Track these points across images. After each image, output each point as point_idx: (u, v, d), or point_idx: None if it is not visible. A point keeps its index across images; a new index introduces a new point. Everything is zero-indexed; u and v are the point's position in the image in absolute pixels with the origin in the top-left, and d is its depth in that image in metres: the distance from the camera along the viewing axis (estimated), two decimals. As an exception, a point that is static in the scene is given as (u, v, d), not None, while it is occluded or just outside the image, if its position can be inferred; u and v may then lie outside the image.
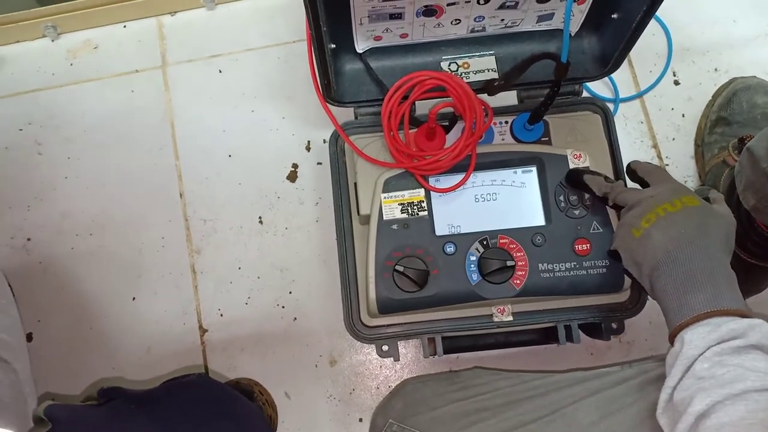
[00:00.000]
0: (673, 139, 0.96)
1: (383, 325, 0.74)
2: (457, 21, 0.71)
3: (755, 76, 0.93)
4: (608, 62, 0.75)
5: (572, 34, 0.75)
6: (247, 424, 0.69)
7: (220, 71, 1.00)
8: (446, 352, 0.75)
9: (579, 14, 0.73)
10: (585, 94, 0.83)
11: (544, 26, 0.75)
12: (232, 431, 0.65)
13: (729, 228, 0.59)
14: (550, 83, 0.70)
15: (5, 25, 0.98)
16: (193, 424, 0.63)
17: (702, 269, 0.54)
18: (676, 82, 0.98)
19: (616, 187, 0.66)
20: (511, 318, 0.73)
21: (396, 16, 0.68)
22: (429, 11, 0.68)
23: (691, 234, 0.56)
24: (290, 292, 0.91)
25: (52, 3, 0.97)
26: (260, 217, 0.94)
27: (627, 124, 0.96)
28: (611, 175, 0.76)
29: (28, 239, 0.94)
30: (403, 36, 0.73)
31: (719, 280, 0.53)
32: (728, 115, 0.89)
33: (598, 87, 0.97)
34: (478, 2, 0.67)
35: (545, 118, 0.76)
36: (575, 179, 0.71)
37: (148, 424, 0.61)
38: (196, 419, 0.63)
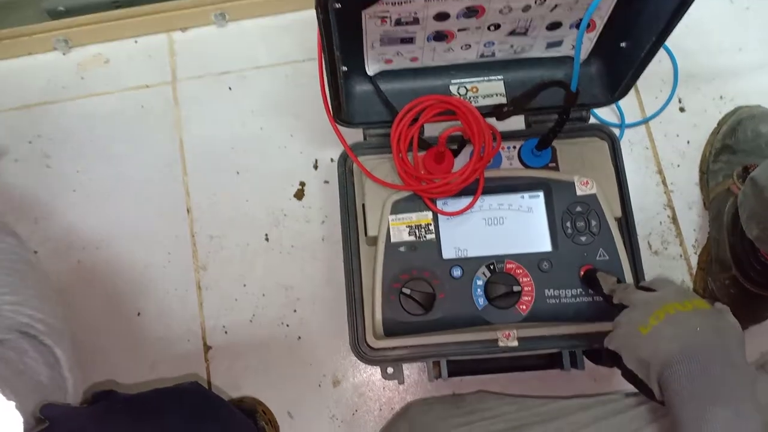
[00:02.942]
0: (678, 165, 0.96)
1: (388, 348, 0.74)
2: (468, 46, 0.72)
3: (760, 105, 0.93)
4: (616, 89, 0.76)
5: (581, 61, 0.76)
6: (234, 428, 0.71)
7: (230, 88, 1.00)
8: (451, 375, 0.75)
9: (588, 42, 0.73)
10: (591, 119, 0.84)
11: (553, 53, 0.75)
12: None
13: (742, 337, 0.55)
14: (559, 109, 0.71)
15: (17, 38, 0.99)
16: (181, 424, 0.65)
17: (723, 377, 0.49)
18: (682, 109, 0.99)
19: (625, 286, 0.65)
20: (516, 343, 0.73)
21: (407, 41, 0.69)
22: (440, 36, 0.69)
23: (708, 334, 0.52)
24: (295, 311, 0.91)
25: (64, 17, 0.98)
26: (266, 235, 0.94)
27: (632, 150, 0.96)
28: (617, 203, 0.76)
29: (35, 252, 0.94)
30: (414, 60, 0.74)
31: (743, 397, 0.49)
32: (733, 143, 0.90)
33: (604, 112, 0.98)
34: (489, 28, 0.68)
35: (553, 143, 0.77)
36: (590, 275, 0.71)
37: (137, 421, 0.63)
38: (184, 420, 0.66)
